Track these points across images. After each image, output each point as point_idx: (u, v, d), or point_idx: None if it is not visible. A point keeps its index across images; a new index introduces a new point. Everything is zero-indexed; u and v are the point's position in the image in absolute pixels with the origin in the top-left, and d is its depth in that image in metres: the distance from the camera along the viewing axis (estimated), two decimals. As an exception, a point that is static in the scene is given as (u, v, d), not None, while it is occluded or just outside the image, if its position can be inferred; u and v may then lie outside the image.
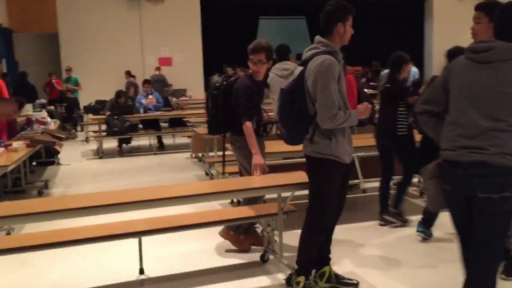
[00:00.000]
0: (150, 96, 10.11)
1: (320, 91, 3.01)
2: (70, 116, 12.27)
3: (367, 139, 5.15)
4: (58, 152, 6.01)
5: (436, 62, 16.71)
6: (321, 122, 3.04)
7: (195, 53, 16.46)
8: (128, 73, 13.78)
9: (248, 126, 3.84)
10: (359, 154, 5.49)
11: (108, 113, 9.35)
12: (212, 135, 4.96)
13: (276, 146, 4.46)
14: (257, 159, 3.79)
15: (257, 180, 3.64)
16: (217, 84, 4.17)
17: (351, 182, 5.35)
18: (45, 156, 8.53)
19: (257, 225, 4.27)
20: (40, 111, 8.70)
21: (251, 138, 3.83)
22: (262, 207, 3.88)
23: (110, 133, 9.18)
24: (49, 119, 8.12)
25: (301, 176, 3.42)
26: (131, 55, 15.64)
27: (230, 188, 3.47)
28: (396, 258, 3.92)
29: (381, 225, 4.66)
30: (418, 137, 4.32)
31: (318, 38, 3.16)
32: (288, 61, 5.31)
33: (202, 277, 3.68)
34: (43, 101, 12.57)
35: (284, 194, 3.70)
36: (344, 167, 3.19)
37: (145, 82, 10.44)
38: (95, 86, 14.21)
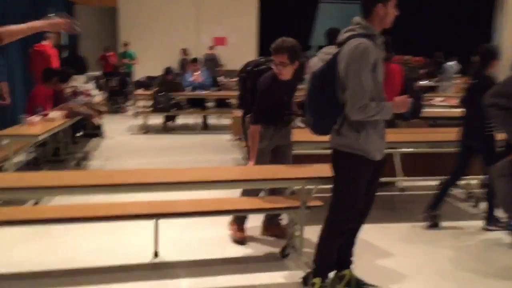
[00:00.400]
0: (195, 73, 10.00)
1: (351, 77, 2.72)
2: (121, 90, 12.42)
3: (410, 134, 4.78)
4: (96, 125, 6.01)
5: (506, 57, 15.69)
6: (350, 112, 2.75)
7: (250, 34, 16.26)
8: (184, 51, 13.75)
9: (252, 129, 3.68)
10: (400, 149, 5.12)
11: (155, 89, 9.35)
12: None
13: (307, 135, 4.20)
14: (251, 163, 3.65)
15: (282, 171, 3.42)
16: (248, 68, 3.98)
17: (388, 179, 5.01)
18: (90, 128, 8.66)
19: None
20: (87, 83, 8.81)
21: (252, 141, 3.68)
22: (285, 199, 3.65)
23: (155, 109, 9.18)
24: (95, 92, 8.22)
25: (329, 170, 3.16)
26: (186, 33, 15.66)
27: (254, 177, 3.25)
28: (428, 264, 3.59)
29: (429, 226, 4.31)
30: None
31: (356, 19, 2.85)
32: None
33: (217, 266, 3.52)
34: (96, 73, 12.84)
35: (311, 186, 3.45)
36: (374, 165, 2.89)
37: (193, 60, 10.35)
38: (150, 62, 14.31)
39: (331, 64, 2.88)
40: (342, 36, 2.88)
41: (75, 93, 7.41)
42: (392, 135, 4.39)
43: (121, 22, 15.74)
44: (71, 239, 3.91)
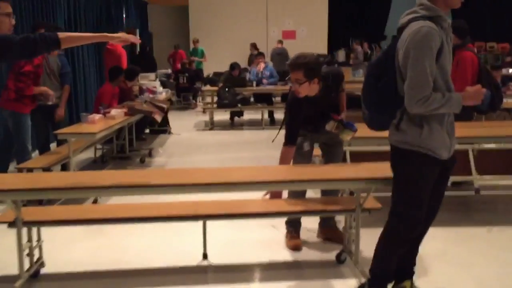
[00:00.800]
0: (260, 65, 9.81)
1: (411, 65, 2.39)
2: (191, 87, 12.55)
3: (489, 128, 4.29)
4: (157, 122, 6.02)
5: None
6: (408, 105, 2.42)
7: (320, 26, 15.87)
8: (254, 46, 13.62)
9: (284, 151, 3.37)
10: (479, 145, 4.62)
11: (220, 85, 9.30)
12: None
13: (364, 130, 3.88)
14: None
15: (337, 170, 3.14)
16: None
17: (461, 178, 4.53)
18: (158, 125, 8.78)
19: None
20: (155, 80, 8.92)
21: (281, 163, 3.37)
22: (340, 200, 3.37)
23: (220, 105, 9.14)
24: (160, 89, 8.30)
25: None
26: (255, 28, 15.56)
27: (307, 178, 2.99)
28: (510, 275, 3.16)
29: None
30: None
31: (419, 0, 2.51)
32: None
33: (267, 271, 3.31)
34: (166, 71, 13.08)
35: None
36: (440, 164, 2.54)
37: (257, 54, 10.19)
38: (219, 58, 14.37)
39: (389, 52, 2.56)
40: (403, 19, 2.55)
41: (141, 90, 7.50)
42: (467, 129, 3.97)
43: (192, 20, 15.95)
44: (122, 238, 3.87)
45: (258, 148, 7.44)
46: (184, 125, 9.72)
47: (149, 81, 9.95)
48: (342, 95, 3.63)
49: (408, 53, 2.40)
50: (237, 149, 7.50)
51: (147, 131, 8.85)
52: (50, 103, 5.22)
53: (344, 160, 4.08)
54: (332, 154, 3.65)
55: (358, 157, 4.20)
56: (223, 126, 9.76)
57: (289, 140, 3.36)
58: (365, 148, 4.39)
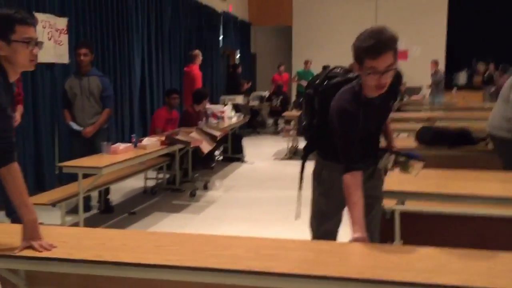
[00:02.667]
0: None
1: None
2: (284, 110, 11.79)
3: None
4: (203, 153, 5.33)
5: None
6: None
7: (436, 45, 14.21)
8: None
9: (347, 180, 2.23)
10: None
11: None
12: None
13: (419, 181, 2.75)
14: (357, 235, 2.11)
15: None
16: (317, 82, 2.62)
17: None
18: (232, 151, 8.14)
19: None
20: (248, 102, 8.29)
21: (352, 199, 2.19)
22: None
23: (300, 132, 8.19)
24: (231, 113, 7.64)
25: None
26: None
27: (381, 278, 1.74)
28: None
29: None
30: None
31: None
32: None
33: None
34: (261, 93, 12.49)
35: None
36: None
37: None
38: (322, 80, 13.44)
39: None
40: None
41: (206, 115, 6.91)
42: None
43: (295, 41, 15.30)
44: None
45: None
46: (264, 152, 8.96)
47: (231, 102, 9.39)
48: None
49: None
50: (306, 184, 6.51)
51: (221, 158, 8.24)
52: (77, 128, 4.82)
53: (388, 223, 2.94)
54: (374, 214, 2.59)
55: (412, 221, 3.01)
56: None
57: (351, 162, 2.25)
58: (427, 208, 3.16)
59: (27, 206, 1.94)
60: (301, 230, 4.58)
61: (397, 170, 2.57)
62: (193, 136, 5.28)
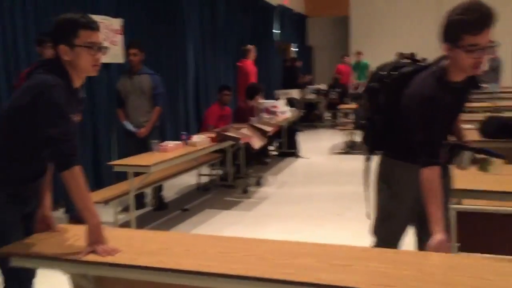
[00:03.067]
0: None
1: None
2: (342, 103, 11.53)
3: None
4: (253, 149, 5.26)
5: None
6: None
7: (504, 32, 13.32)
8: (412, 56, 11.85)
9: (427, 175, 2.05)
10: None
11: (359, 102, 8.13)
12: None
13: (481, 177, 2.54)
14: (438, 237, 1.98)
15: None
16: (383, 73, 2.41)
17: None
18: (286, 146, 8.03)
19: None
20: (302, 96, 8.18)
21: (432, 195, 2.03)
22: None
23: (357, 126, 7.94)
24: (285, 108, 7.53)
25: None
26: (422, 38, 13.76)
27: None
28: None
29: None
30: None
31: None
32: None
33: None
34: (317, 86, 12.28)
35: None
36: None
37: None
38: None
39: None
40: None
41: (259, 110, 6.85)
42: None
43: (353, 31, 14.90)
44: None
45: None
46: (320, 147, 8.79)
47: (285, 97, 9.28)
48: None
49: None
50: (358, 180, 6.29)
51: (275, 153, 8.17)
52: (131, 129, 4.89)
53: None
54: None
55: (470, 221, 2.79)
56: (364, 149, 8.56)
57: (432, 156, 2.09)
58: (487, 207, 2.91)
59: (90, 210, 1.91)
60: (354, 227, 4.44)
61: (473, 168, 2.34)
62: (244, 132, 5.23)
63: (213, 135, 4.97)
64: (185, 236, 2.23)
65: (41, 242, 2.04)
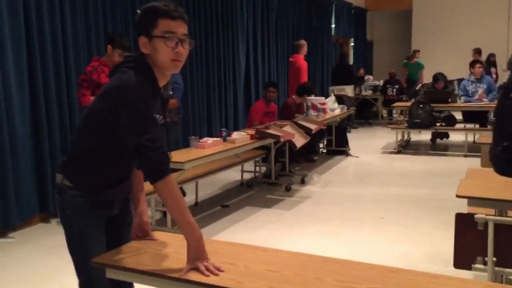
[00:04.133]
0: (480, 89, 7.79)
1: None
2: (399, 100, 11.12)
3: None
4: (295, 147, 5.13)
5: None
6: None
7: None
8: (477, 51, 11.15)
9: None
10: None
11: (413, 100, 7.81)
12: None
13: None
14: None
15: None
16: None
17: None
18: (336, 144, 7.84)
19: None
20: (331, 95, 7.99)
21: None
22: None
23: (410, 124, 7.63)
24: (333, 105, 7.35)
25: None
26: (490, 32, 13.00)
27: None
28: None
29: None
30: None
31: None
32: None
33: None
34: (374, 82, 11.91)
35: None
36: None
37: (475, 62, 8.16)
38: (444, 67, 12.44)
39: None
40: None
41: (306, 107, 6.73)
42: None
43: (416, 25, 14.32)
44: None
45: (443, 183, 5.81)
46: (372, 145, 8.51)
47: (339, 93, 9.07)
48: None
49: None
50: (414, 181, 6.03)
51: (324, 151, 8.01)
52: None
53: (479, 236, 2.52)
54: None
55: (508, 233, 2.55)
56: (418, 149, 8.22)
57: None
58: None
59: (190, 223, 1.68)
60: (395, 232, 4.24)
61: None
62: (286, 130, 5.13)
63: (253, 132, 4.91)
64: (298, 256, 1.82)
65: (138, 252, 1.86)
